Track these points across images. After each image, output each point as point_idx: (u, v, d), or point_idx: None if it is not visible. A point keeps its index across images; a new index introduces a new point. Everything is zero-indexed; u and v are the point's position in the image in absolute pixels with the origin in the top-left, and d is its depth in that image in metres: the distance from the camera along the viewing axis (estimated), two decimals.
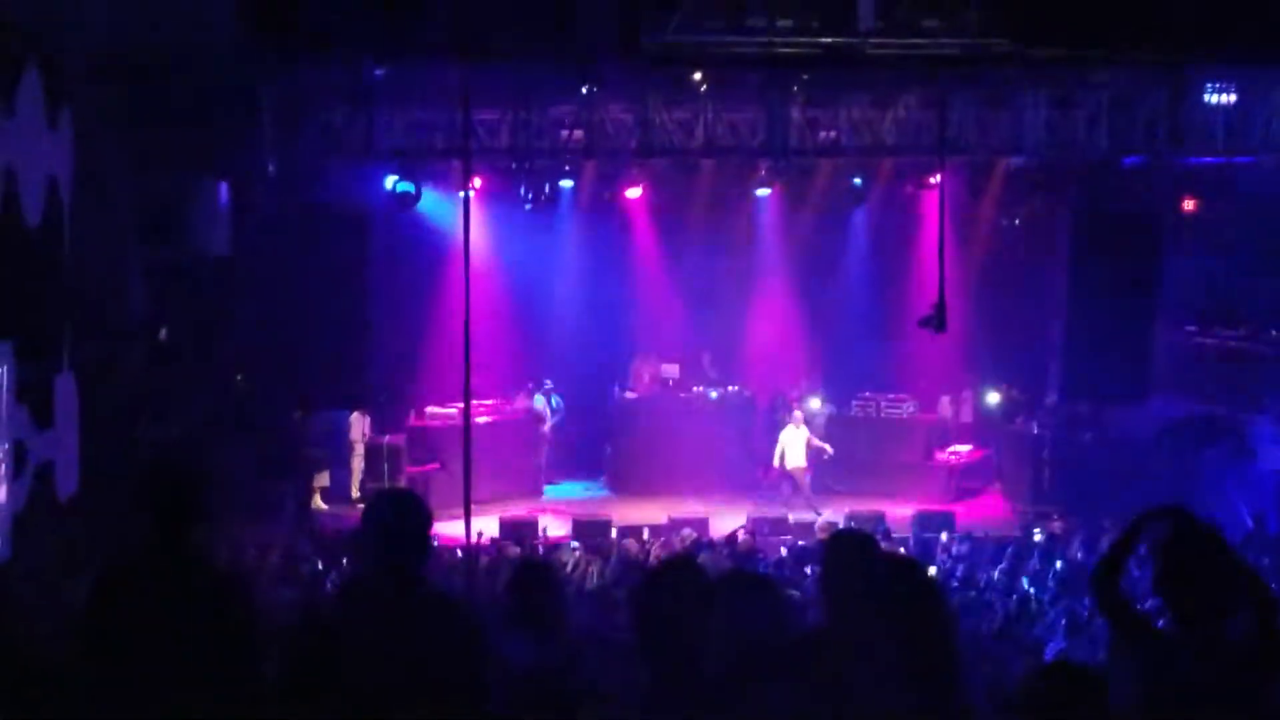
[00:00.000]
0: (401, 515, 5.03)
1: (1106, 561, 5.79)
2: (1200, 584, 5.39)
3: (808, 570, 15.83)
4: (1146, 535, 5.68)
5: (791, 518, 21.39)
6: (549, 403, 25.06)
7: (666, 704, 3.83)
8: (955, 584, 16.72)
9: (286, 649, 4.93)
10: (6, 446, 14.27)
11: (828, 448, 23.42)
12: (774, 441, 23.91)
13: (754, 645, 4.48)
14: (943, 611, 5.17)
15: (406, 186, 20.66)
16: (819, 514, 21.83)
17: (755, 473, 24.12)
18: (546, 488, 24.53)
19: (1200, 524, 5.60)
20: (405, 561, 4.96)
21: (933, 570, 17.55)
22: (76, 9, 15.61)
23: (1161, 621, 5.85)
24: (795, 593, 13.72)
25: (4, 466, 14.17)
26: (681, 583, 4.57)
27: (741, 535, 19.62)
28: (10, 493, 14.38)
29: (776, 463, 23.25)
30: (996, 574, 17.86)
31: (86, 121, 16.45)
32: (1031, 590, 16.22)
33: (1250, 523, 20.32)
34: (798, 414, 23.67)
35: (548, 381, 25.10)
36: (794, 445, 23.20)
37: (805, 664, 4.95)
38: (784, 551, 18.65)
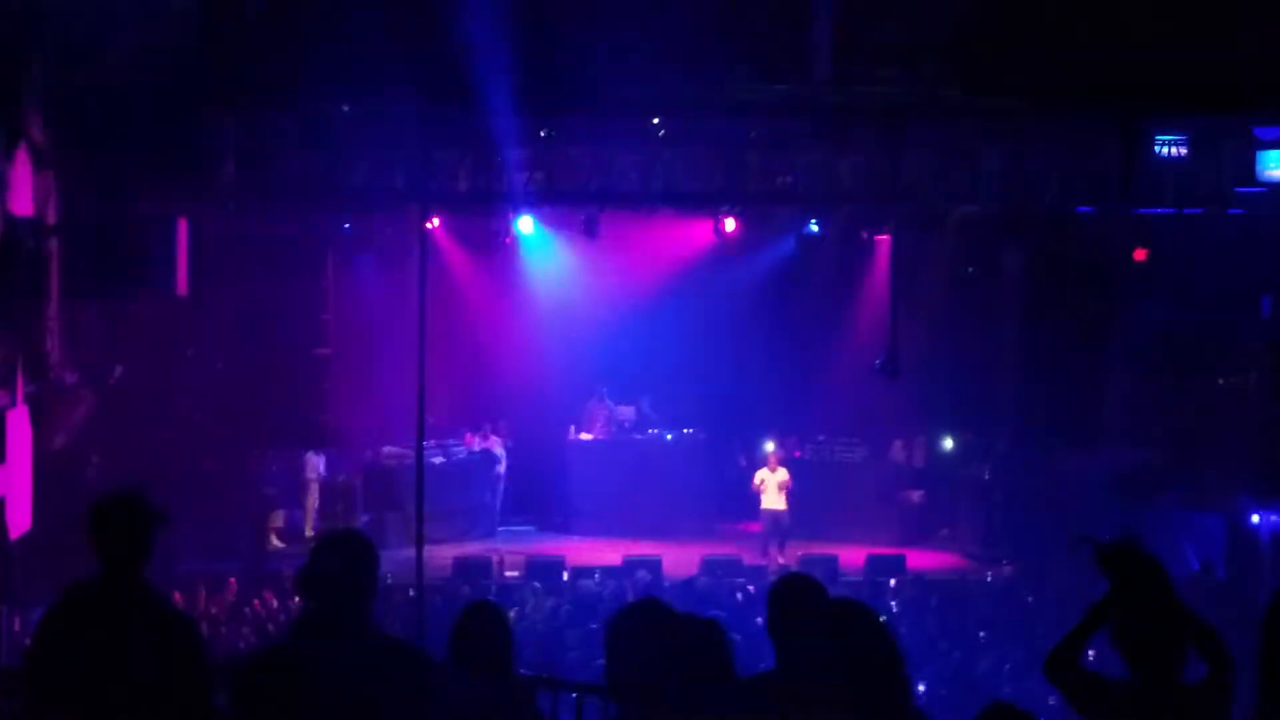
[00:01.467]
0: (350, 555, 5.03)
1: (1066, 644, 5.75)
2: (1150, 622, 5.41)
3: (759, 620, 15.81)
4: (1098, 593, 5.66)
5: (745, 561, 21.37)
6: (504, 443, 25.00)
7: None
8: (903, 628, 16.73)
9: (236, 687, 4.90)
10: None
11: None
12: (728, 484, 23.91)
13: (705, 687, 4.48)
14: (893, 654, 5.19)
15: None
16: (767, 559, 21.91)
17: (708, 515, 24.11)
18: (500, 528, 24.48)
19: (1147, 557, 5.62)
20: (354, 602, 4.94)
21: (883, 617, 17.61)
22: (35, 48, 15.58)
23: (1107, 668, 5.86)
24: (738, 637, 13.71)
25: None
26: (651, 623, 4.57)
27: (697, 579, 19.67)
28: None
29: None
30: (945, 617, 17.93)
31: (44, 159, 16.41)
32: (981, 633, 16.29)
33: (1197, 567, 20.45)
34: (773, 456, 23.30)
35: (497, 424, 25.01)
36: (770, 486, 23.05)
37: (756, 707, 4.96)
38: (739, 596, 18.67)
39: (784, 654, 5.31)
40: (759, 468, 24.36)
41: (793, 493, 22.94)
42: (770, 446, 24.97)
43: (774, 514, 22.88)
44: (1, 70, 15.41)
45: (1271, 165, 20.45)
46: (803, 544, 22.43)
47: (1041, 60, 12.83)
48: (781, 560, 21.89)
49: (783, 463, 23.18)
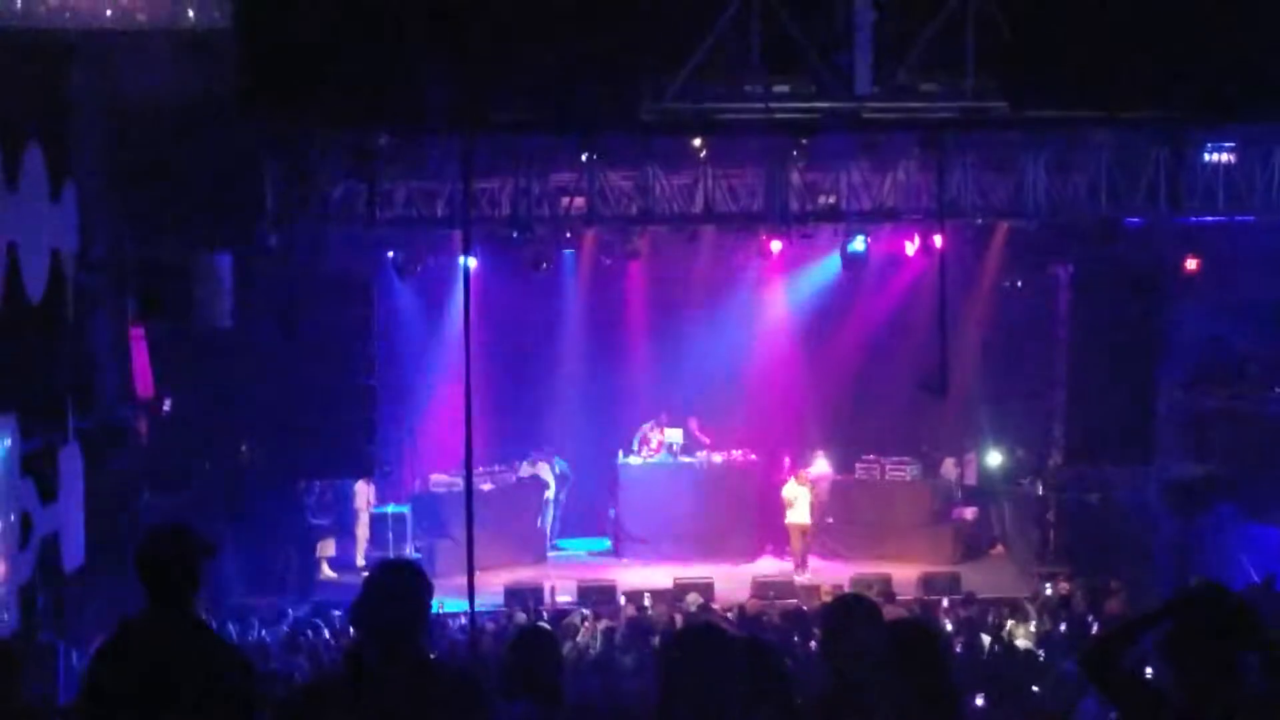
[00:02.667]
0: (402, 584, 5.02)
1: (1111, 639, 5.65)
2: (1219, 662, 5.31)
3: (811, 644, 15.72)
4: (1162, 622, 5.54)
5: (797, 582, 21.33)
6: (552, 469, 25.02)
7: None
8: (960, 647, 16.63)
9: (287, 716, 4.91)
10: (12, 519, 14.25)
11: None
12: (779, 506, 23.97)
13: (762, 711, 4.45)
14: (947, 674, 5.15)
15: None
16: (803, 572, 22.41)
17: (759, 537, 24.08)
18: (557, 541, 24.73)
19: (1231, 605, 5.49)
20: (406, 630, 4.94)
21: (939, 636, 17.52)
22: (80, 85, 15.71)
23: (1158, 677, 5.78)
24: (789, 660, 13.65)
25: (10, 538, 14.14)
26: (707, 647, 4.53)
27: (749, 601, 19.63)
28: (16, 565, 14.35)
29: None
30: (1001, 635, 17.81)
31: (90, 195, 16.52)
32: (1040, 651, 16.15)
33: (1256, 579, 20.24)
34: (802, 473, 23.71)
35: (548, 449, 25.02)
36: (796, 501, 23.26)
37: None
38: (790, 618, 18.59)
39: (838, 675, 5.27)
40: (812, 489, 24.39)
41: (824, 506, 23.26)
42: (820, 466, 24.96)
43: (801, 528, 23.04)
44: (50, 112, 15.55)
45: None
46: (855, 564, 22.36)
47: (1085, 68, 12.77)
48: (807, 574, 22.20)
49: (815, 479, 23.49)
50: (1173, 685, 5.38)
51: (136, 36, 14.05)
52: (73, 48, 14.42)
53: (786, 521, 23.38)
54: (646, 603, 19.64)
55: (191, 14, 13.95)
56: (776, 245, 22.60)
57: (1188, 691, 5.33)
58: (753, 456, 24.84)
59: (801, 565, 23.07)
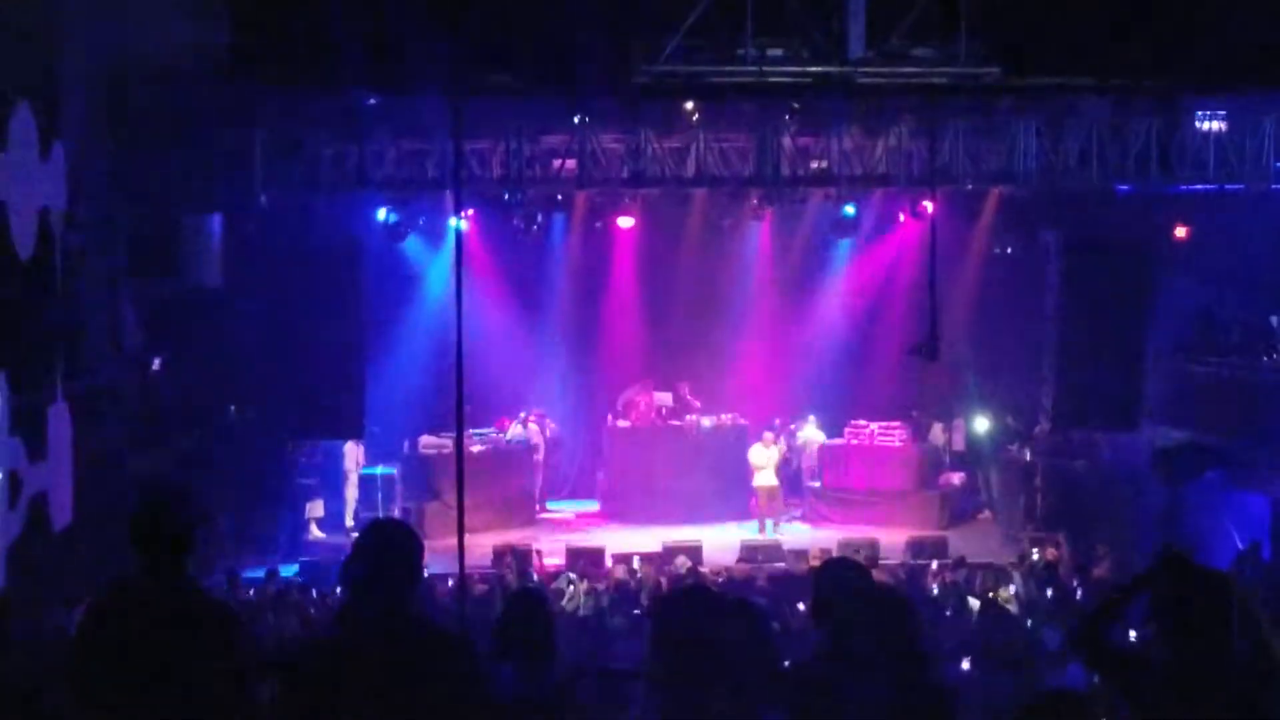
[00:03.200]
0: (393, 544, 5.03)
1: (1097, 617, 5.69)
2: (1201, 627, 5.36)
3: (800, 606, 15.76)
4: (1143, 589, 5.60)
5: (785, 546, 21.40)
6: (544, 431, 25.06)
7: None
8: (948, 611, 16.70)
9: (282, 677, 4.94)
10: (1, 477, 14.25)
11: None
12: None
13: (750, 671, 4.48)
14: (920, 637, 5.20)
15: (397, 217, 20.71)
16: (794, 518, 23.11)
17: (747, 500, 24.15)
18: (546, 502, 24.72)
19: (1200, 572, 5.55)
20: (397, 590, 4.95)
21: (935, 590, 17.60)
22: (70, 46, 15.65)
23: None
24: (775, 624, 13.70)
25: None
26: (697, 608, 4.56)
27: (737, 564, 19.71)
28: (4, 524, 14.36)
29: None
30: (987, 598, 17.87)
31: (79, 155, 16.48)
32: (1028, 619, 16.21)
33: (1241, 545, 20.35)
34: (767, 435, 23.84)
35: (522, 412, 25.04)
36: (764, 465, 23.46)
37: (805, 688, 4.96)
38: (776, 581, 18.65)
39: (827, 637, 5.31)
40: (800, 454, 24.47)
41: (812, 471, 23.42)
42: (809, 431, 25.07)
43: (769, 490, 23.17)
44: (39, 72, 15.50)
45: None
46: (843, 528, 22.43)
47: (1077, 35, 12.77)
48: (775, 536, 22.47)
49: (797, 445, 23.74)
50: (1162, 651, 5.43)
51: None
52: (63, 7, 14.36)
53: (755, 484, 23.57)
54: (635, 566, 19.69)
55: None
56: (763, 212, 22.67)
57: (1176, 656, 5.37)
58: (742, 421, 24.88)
59: (767, 522, 23.36)
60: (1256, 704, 5.36)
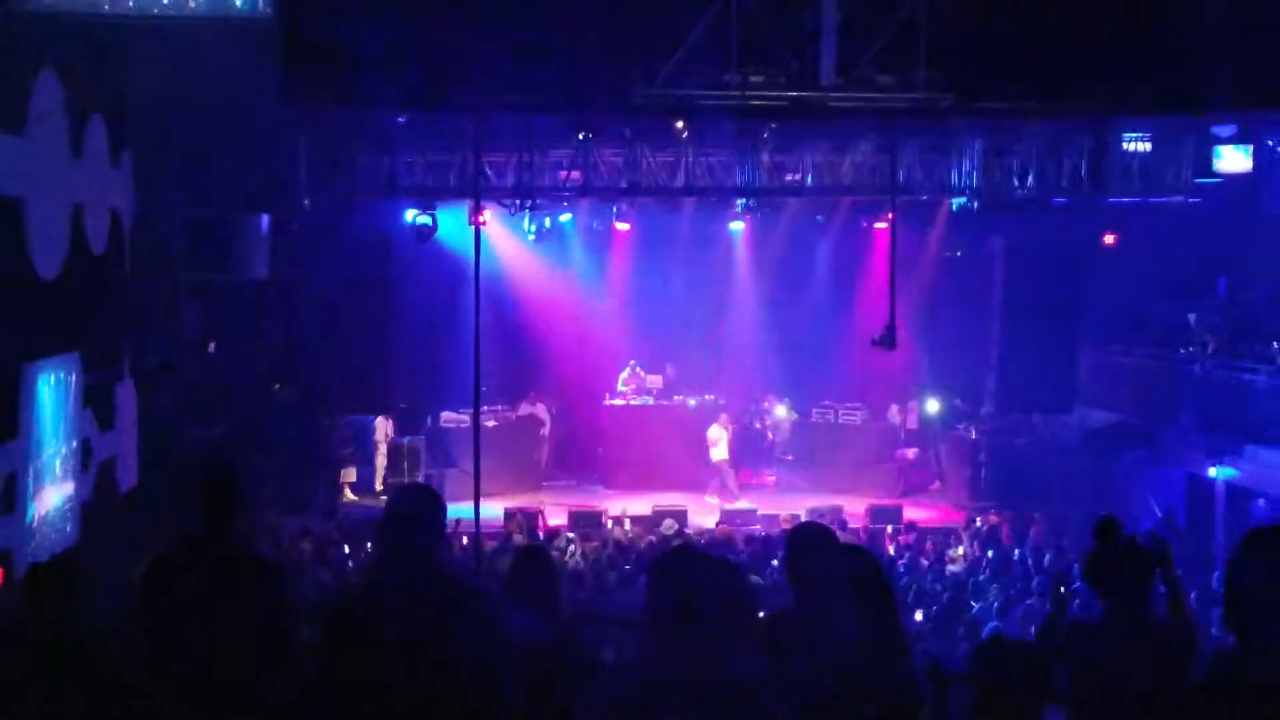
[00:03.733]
0: (420, 505, 5.05)
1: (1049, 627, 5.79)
2: (1128, 587, 5.41)
3: (773, 563, 15.81)
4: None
5: (760, 511, 21.42)
6: (548, 409, 25.08)
7: (665, 671, 3.88)
8: (902, 569, 16.74)
9: (325, 622, 4.96)
10: (75, 444, 14.29)
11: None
12: (743, 443, 24.13)
13: (734, 621, 4.50)
14: (892, 593, 5.22)
15: (425, 220, 20.67)
16: (736, 498, 22.76)
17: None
18: (545, 483, 24.54)
19: (1127, 539, 5.60)
20: (424, 546, 4.97)
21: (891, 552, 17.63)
22: (138, 66, 15.65)
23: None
24: (757, 579, 13.75)
25: (73, 462, 14.18)
26: (689, 565, 4.58)
27: (718, 526, 19.74)
28: (78, 485, 14.39)
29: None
30: (937, 560, 17.92)
31: (145, 163, 16.50)
32: (969, 578, 16.26)
33: (1159, 514, 20.44)
34: (724, 417, 23.76)
35: (531, 393, 25.05)
36: (718, 442, 23.38)
37: (778, 638, 4.98)
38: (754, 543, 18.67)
39: (799, 591, 5.33)
40: (774, 430, 24.48)
41: (785, 445, 23.47)
42: (782, 410, 25.10)
43: (722, 464, 23.10)
44: (111, 89, 15.51)
45: (1225, 159, 20.39)
46: (811, 496, 22.47)
47: (1022, 66, 12.78)
48: (728, 505, 22.35)
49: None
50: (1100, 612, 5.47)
51: (189, 23, 13.97)
52: (133, 31, 14.38)
53: (712, 459, 23.46)
54: (627, 527, 19.72)
55: (238, 3, 13.86)
56: (738, 225, 22.70)
57: (1109, 615, 5.41)
58: (722, 401, 24.89)
59: (730, 495, 23.18)
60: (1172, 651, 5.41)
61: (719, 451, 23.49)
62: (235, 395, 19.39)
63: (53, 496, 13.49)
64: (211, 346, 19.59)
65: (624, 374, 25.00)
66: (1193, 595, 12.55)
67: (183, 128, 16.94)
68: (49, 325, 13.58)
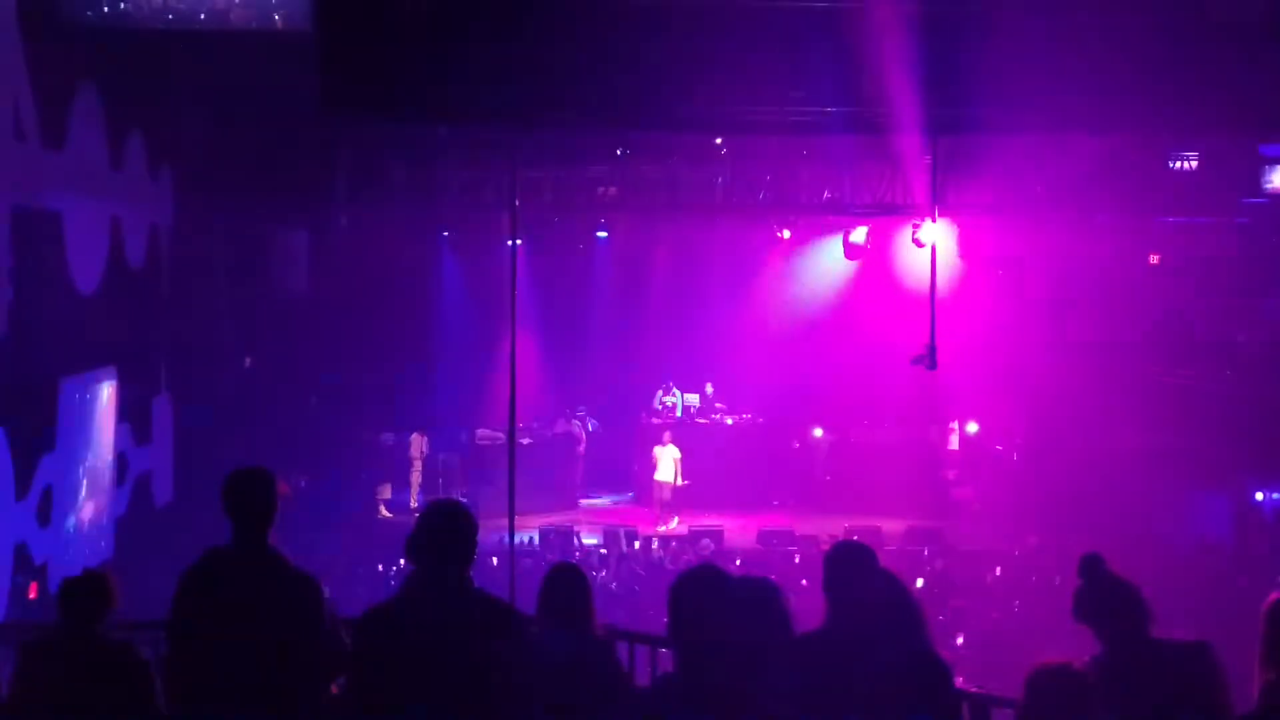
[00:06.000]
0: (452, 522, 5.06)
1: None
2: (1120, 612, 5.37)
3: (803, 581, 15.74)
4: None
5: (797, 531, 21.34)
6: (585, 427, 25.06)
7: (693, 689, 3.86)
8: (938, 590, 16.65)
9: (355, 637, 4.98)
10: (111, 458, 14.37)
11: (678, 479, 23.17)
12: (782, 464, 24.05)
13: (763, 639, 4.48)
14: (923, 616, 5.19)
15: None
16: (666, 526, 22.12)
17: (765, 491, 24.08)
18: (582, 501, 24.53)
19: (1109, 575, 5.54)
20: (455, 563, 4.98)
21: (920, 581, 17.49)
22: (178, 79, 15.76)
23: None
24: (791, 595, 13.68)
25: (110, 475, 14.27)
26: (707, 585, 4.57)
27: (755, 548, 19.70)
28: (114, 499, 14.48)
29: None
30: (977, 583, 17.82)
31: (184, 177, 16.62)
32: (1016, 602, 16.16)
33: (1208, 540, 20.23)
34: (666, 435, 23.49)
35: (581, 409, 25.10)
36: (663, 461, 23.10)
37: (813, 658, 4.95)
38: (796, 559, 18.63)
39: (836, 610, 5.29)
40: (813, 450, 24.36)
41: (824, 465, 23.12)
42: (819, 432, 25.01)
43: (664, 486, 22.86)
44: (151, 102, 15.62)
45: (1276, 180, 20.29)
46: (849, 517, 22.35)
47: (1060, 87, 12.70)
48: (667, 529, 21.94)
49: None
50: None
51: (228, 37, 14.07)
52: (172, 46, 14.48)
53: (655, 478, 23.02)
54: (656, 546, 19.70)
55: (278, 19, 13.96)
56: (786, 233, 22.57)
57: (1104, 647, 5.35)
58: (760, 420, 24.82)
59: (665, 518, 22.66)
60: (1192, 675, 5.33)
61: (663, 472, 22.99)
62: (271, 410, 19.48)
63: (89, 510, 13.58)
64: (248, 361, 19.69)
65: (662, 392, 24.98)
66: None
67: (223, 143, 17.04)
68: (87, 339, 13.69)
